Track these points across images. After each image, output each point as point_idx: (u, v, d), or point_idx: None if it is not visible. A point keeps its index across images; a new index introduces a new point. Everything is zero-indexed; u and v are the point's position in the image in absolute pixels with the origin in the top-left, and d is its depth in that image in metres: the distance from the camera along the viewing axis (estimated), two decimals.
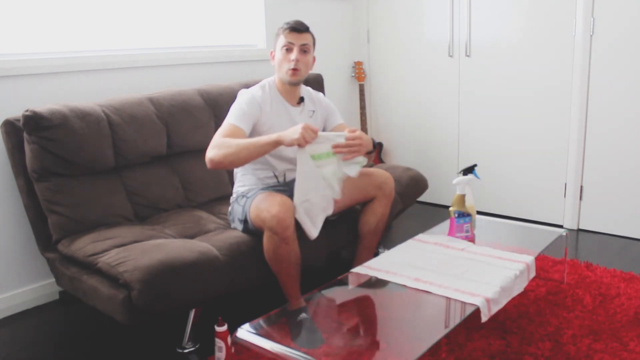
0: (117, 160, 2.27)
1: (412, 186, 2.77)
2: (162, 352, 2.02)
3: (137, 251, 1.85)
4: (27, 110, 2.04)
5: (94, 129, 2.16)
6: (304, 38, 2.16)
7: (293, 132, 1.92)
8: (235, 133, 2.03)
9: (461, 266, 1.90)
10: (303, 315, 1.70)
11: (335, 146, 1.97)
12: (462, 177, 2.16)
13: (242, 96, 2.16)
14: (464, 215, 2.15)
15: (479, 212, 2.53)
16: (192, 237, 2.13)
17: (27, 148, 2.08)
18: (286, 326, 1.63)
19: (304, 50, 2.16)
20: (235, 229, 2.18)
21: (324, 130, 2.36)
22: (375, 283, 1.86)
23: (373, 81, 3.91)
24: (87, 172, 2.19)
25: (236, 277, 1.99)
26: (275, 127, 2.13)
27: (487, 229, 2.37)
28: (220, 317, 1.83)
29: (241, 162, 2.00)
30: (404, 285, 1.78)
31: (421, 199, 3.69)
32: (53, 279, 2.28)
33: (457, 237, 2.16)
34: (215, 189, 2.58)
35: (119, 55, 2.62)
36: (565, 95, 3.06)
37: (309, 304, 1.76)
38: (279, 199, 1.97)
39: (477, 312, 1.63)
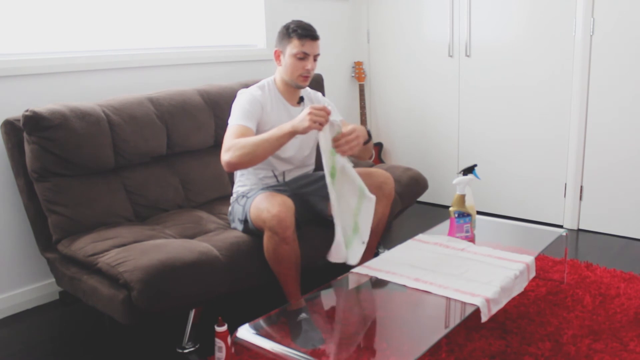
0: (117, 160, 2.27)
1: (412, 186, 2.77)
2: (162, 352, 2.02)
3: (137, 251, 1.85)
4: (27, 110, 2.04)
5: (94, 129, 2.16)
6: (318, 47, 2.16)
7: (302, 119, 1.91)
8: (245, 133, 2.03)
9: (461, 266, 1.90)
10: (303, 315, 1.70)
11: (337, 145, 1.97)
12: (462, 177, 2.16)
13: (243, 96, 2.16)
14: (464, 215, 2.15)
15: (479, 212, 2.53)
16: (192, 237, 2.13)
17: (27, 148, 2.08)
18: (286, 326, 1.63)
19: (316, 59, 2.17)
20: (235, 229, 2.18)
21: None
22: (375, 283, 1.86)
23: (373, 81, 3.91)
24: (87, 172, 2.19)
25: (236, 277, 1.98)
26: (276, 127, 2.13)
27: (487, 229, 2.37)
28: (220, 317, 1.83)
29: (259, 159, 1.98)
30: (404, 285, 1.78)
31: (421, 199, 3.71)
32: (53, 279, 2.28)
33: (457, 237, 2.17)
34: (215, 189, 2.58)
35: (119, 55, 2.62)
36: (565, 95, 3.06)
37: (309, 304, 1.76)
38: (280, 199, 1.97)
39: (477, 312, 1.63)
